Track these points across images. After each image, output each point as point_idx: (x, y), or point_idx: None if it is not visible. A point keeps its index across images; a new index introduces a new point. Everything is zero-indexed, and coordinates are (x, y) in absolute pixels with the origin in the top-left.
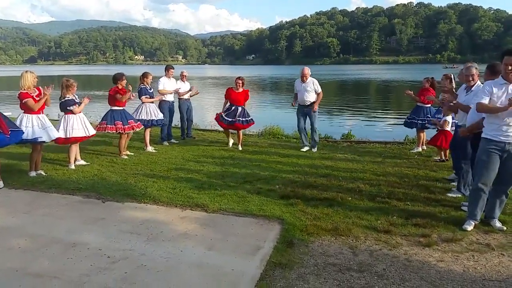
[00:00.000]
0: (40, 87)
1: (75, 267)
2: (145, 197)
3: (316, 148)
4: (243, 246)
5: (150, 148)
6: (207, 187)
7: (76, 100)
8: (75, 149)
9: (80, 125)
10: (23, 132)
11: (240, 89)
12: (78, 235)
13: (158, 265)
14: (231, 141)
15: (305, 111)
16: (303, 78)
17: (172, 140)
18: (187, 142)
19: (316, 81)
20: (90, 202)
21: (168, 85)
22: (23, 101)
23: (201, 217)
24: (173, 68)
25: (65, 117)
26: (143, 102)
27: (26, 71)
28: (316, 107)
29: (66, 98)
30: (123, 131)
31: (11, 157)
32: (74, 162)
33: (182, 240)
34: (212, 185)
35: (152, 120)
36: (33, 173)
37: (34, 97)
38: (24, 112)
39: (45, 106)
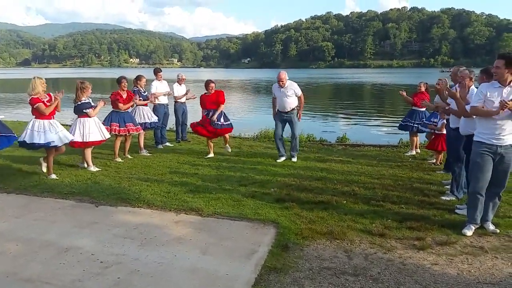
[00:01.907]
0: (51, 93)
1: (67, 272)
2: (139, 201)
3: (296, 158)
4: (237, 250)
5: (144, 152)
6: (201, 191)
7: (92, 103)
8: (90, 152)
9: (96, 128)
10: (16, 137)
11: (212, 91)
12: (70, 240)
13: (152, 270)
14: (211, 154)
15: (285, 117)
16: (280, 83)
17: (167, 144)
18: (182, 145)
19: (295, 84)
20: (83, 206)
21: (160, 88)
22: (35, 106)
23: (195, 221)
24: (161, 71)
25: (80, 120)
26: (137, 105)
27: (35, 77)
28: (300, 114)
29: (83, 101)
30: (117, 133)
31: (3, 161)
32: (88, 166)
33: (176, 245)
34: (207, 189)
35: (146, 123)
36: (53, 176)
37: (45, 102)
38: (35, 118)
39: (56, 112)
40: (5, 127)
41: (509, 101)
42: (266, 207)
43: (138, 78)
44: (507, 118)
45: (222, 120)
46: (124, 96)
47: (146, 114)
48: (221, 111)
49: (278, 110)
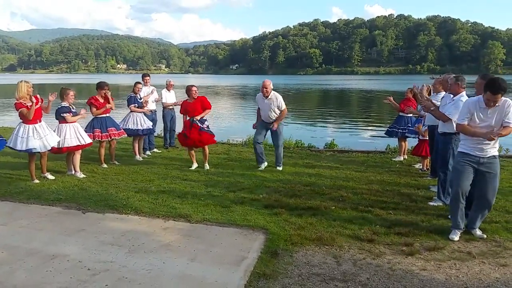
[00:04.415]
0: (38, 95)
1: (54, 280)
2: (126, 207)
3: (281, 167)
4: (226, 257)
5: (138, 157)
6: (190, 197)
7: (72, 109)
8: (78, 158)
9: (74, 134)
10: (6, 141)
11: (195, 97)
12: (57, 247)
13: (140, 277)
14: (195, 164)
15: (268, 126)
16: (263, 90)
17: (155, 150)
18: (170, 151)
19: (280, 97)
20: (70, 213)
21: (146, 92)
22: (18, 112)
23: (184, 227)
24: (149, 76)
25: (58, 126)
26: (131, 111)
27: (21, 81)
28: (276, 125)
29: (62, 105)
30: (100, 139)
31: None
32: (75, 172)
33: (164, 252)
34: (196, 195)
35: (138, 129)
36: (36, 181)
37: (28, 106)
38: (22, 122)
39: (42, 114)
40: None
41: (495, 135)
42: (255, 213)
43: (135, 84)
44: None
45: (206, 124)
46: (101, 100)
47: (139, 121)
48: (205, 118)
49: (262, 120)
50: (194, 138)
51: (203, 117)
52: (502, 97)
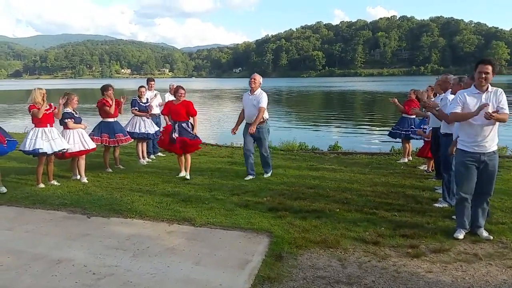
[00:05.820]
0: (52, 103)
1: (60, 285)
2: (131, 211)
3: (270, 173)
4: (231, 260)
5: (142, 161)
6: (194, 201)
7: (75, 115)
8: (83, 163)
9: (78, 139)
10: (17, 142)
11: (181, 99)
12: (63, 252)
13: (145, 281)
14: (183, 172)
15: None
16: (251, 81)
17: (159, 154)
18: (173, 155)
19: (265, 95)
20: (75, 217)
21: (150, 97)
22: (30, 112)
23: (188, 231)
24: (153, 80)
25: (63, 131)
26: (135, 115)
27: (35, 88)
28: (254, 127)
29: (65, 111)
30: (107, 144)
31: None
32: (80, 177)
33: (169, 255)
34: (200, 198)
35: (133, 132)
36: (41, 186)
37: (40, 108)
38: (34, 126)
39: (54, 120)
40: (6, 133)
41: (493, 112)
42: (259, 216)
43: (138, 88)
44: (487, 124)
45: (190, 133)
46: (111, 103)
47: (137, 124)
48: (190, 123)
49: (246, 122)
50: (181, 145)
51: (194, 127)
52: (494, 87)
